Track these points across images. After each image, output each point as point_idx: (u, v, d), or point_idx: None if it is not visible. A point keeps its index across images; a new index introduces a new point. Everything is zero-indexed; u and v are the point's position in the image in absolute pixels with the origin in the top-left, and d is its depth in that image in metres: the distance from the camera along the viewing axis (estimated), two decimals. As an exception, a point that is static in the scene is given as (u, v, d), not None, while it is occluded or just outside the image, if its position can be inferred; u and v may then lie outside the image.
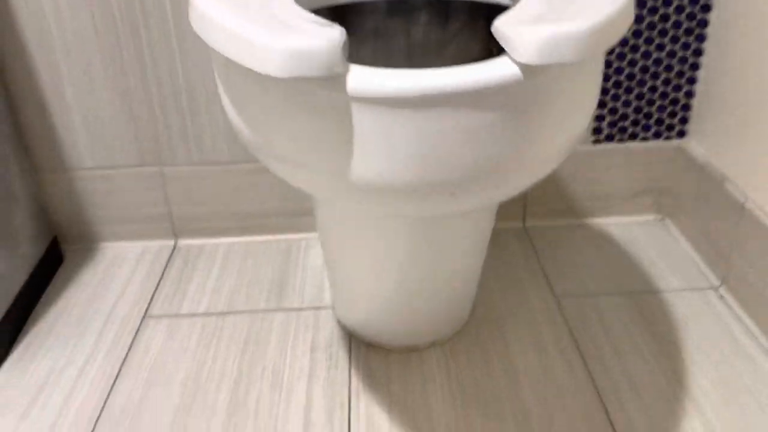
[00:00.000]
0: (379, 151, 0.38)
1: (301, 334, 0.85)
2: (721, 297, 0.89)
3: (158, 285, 0.95)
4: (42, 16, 0.87)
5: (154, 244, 1.05)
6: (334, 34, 0.36)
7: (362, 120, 0.37)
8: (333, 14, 0.70)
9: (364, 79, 0.37)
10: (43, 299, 0.93)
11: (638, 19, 0.91)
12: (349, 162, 0.39)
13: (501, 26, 0.39)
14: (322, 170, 0.41)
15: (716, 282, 0.91)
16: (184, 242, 1.05)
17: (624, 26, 0.42)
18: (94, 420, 0.73)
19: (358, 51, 0.73)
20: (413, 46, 0.73)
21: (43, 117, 0.94)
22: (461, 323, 0.84)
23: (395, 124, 0.37)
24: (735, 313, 0.85)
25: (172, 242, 1.05)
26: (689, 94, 0.97)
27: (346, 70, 0.37)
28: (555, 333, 0.84)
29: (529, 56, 0.36)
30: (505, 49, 0.38)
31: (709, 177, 0.92)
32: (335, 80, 0.37)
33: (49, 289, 0.95)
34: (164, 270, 0.98)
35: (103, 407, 0.75)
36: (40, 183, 0.99)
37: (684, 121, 0.99)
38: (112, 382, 0.78)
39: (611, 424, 0.71)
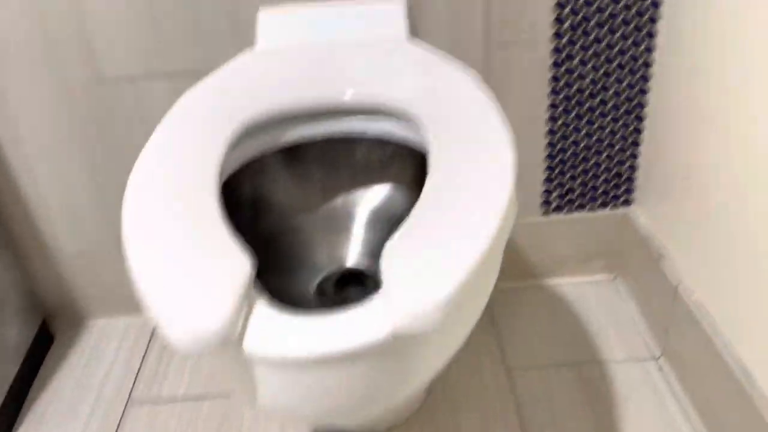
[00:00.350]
0: (279, 392, 0.45)
1: (270, 423, 0.92)
2: (660, 369, 0.95)
3: (140, 366, 1.03)
4: (15, 127, 0.93)
5: (138, 320, 1.12)
6: (234, 302, 0.43)
7: (260, 371, 0.44)
8: (282, 155, 0.75)
9: (257, 343, 0.43)
10: (36, 383, 1.01)
11: (580, 103, 0.96)
12: (255, 396, 0.46)
13: (385, 265, 0.45)
14: (241, 395, 0.48)
15: (657, 352, 0.97)
16: (165, 316, 1.12)
17: (492, 279, 0.48)
18: None
19: (306, 176, 0.79)
20: (358, 167, 0.79)
21: (25, 213, 1.01)
22: (419, 405, 0.92)
23: (289, 377, 0.43)
24: (671, 387, 0.92)
25: (154, 316, 1.12)
26: (632, 168, 1.01)
27: (242, 336, 0.43)
28: (503, 409, 0.91)
29: (397, 327, 0.42)
30: (381, 297, 0.44)
31: (649, 251, 0.98)
32: (233, 343, 0.43)
33: (42, 370, 1.03)
34: (146, 349, 1.06)
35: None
36: (27, 270, 1.06)
37: (629, 191, 1.04)
38: (97, 477, 0.87)
39: None
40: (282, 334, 0.43)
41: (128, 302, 1.11)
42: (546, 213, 1.05)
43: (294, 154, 0.75)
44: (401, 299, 0.42)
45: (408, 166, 0.74)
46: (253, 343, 0.43)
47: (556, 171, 1.01)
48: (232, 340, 0.42)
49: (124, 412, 0.96)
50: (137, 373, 1.02)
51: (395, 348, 0.43)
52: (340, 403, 0.45)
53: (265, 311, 0.45)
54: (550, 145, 0.99)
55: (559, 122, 0.97)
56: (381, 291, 0.45)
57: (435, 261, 0.45)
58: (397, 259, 0.46)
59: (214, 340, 0.41)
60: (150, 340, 1.08)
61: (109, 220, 1.03)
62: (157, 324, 0.44)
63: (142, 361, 1.04)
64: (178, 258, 0.47)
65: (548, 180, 1.03)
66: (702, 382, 0.85)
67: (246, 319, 0.44)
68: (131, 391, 0.99)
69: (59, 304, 1.10)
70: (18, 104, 0.92)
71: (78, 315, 1.12)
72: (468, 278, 0.44)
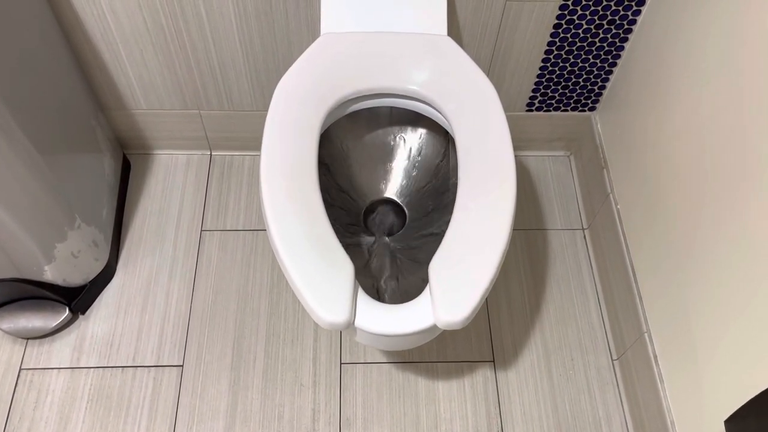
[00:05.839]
0: (368, 340, 0.81)
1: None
2: (584, 238, 1.35)
3: (205, 199, 1.36)
4: (103, 17, 1.10)
5: (196, 154, 1.41)
6: (352, 303, 0.76)
7: (360, 333, 0.80)
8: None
9: (361, 323, 0.78)
10: (126, 204, 1.34)
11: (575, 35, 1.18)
12: (356, 337, 0.82)
13: (433, 281, 0.79)
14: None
15: (585, 224, 1.36)
16: (217, 154, 1.42)
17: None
18: (187, 316, 1.23)
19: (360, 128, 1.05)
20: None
21: (109, 79, 1.22)
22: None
23: (375, 337, 0.79)
24: (588, 255, 1.33)
25: (208, 152, 1.41)
26: (604, 84, 1.28)
27: (354, 320, 0.78)
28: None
29: (438, 323, 0.77)
30: (431, 305, 0.78)
31: (598, 157, 1.30)
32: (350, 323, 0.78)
33: (127, 199, 1.35)
34: (207, 183, 1.37)
35: (190, 308, 1.24)
36: (108, 117, 1.31)
37: (596, 101, 1.32)
38: (191, 287, 1.26)
39: (490, 330, 1.24)
40: (373, 319, 0.78)
41: (188, 143, 1.39)
42: (529, 110, 1.34)
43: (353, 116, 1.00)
44: (442, 306, 0.77)
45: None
46: (359, 323, 0.78)
47: (544, 82, 1.27)
48: (350, 323, 0.77)
49: (200, 238, 1.31)
50: (204, 206, 1.35)
51: (432, 330, 0.80)
52: (397, 346, 0.82)
53: (363, 302, 0.79)
54: (544, 62, 1.23)
55: (556, 46, 1.20)
56: (429, 292, 0.79)
57: (464, 279, 0.79)
58: (439, 274, 0.79)
59: (344, 326, 0.76)
60: (208, 177, 1.39)
61: (177, 91, 1.25)
62: (308, 312, 0.78)
63: (206, 196, 1.36)
64: (312, 260, 0.79)
65: (536, 89, 1.29)
66: (605, 261, 1.26)
67: (355, 307, 0.78)
68: (202, 221, 1.33)
69: (133, 141, 1.37)
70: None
71: (148, 147, 1.40)
72: (484, 293, 0.78)
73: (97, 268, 1.20)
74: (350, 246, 1.02)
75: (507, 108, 1.33)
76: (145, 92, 1.26)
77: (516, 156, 1.44)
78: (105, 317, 1.22)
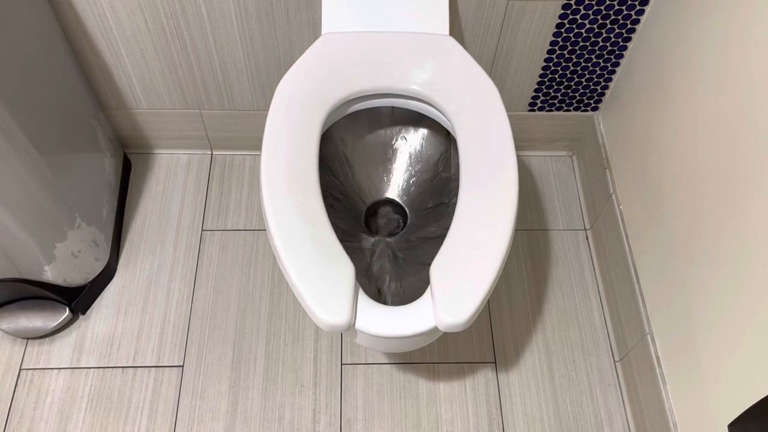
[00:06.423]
0: (369, 342, 0.81)
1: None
2: (587, 238, 1.34)
3: (206, 199, 1.35)
4: (104, 16, 1.10)
5: (197, 154, 1.41)
6: (353, 306, 0.76)
7: (361, 335, 0.79)
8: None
9: (361, 325, 0.77)
10: (127, 203, 1.33)
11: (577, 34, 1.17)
12: (356, 339, 0.82)
13: (434, 283, 0.78)
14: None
15: (588, 225, 1.35)
16: (218, 153, 1.41)
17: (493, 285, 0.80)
18: (188, 317, 1.23)
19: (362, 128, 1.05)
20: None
21: (109, 79, 1.22)
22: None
23: (375, 339, 0.79)
24: (590, 256, 1.32)
25: (209, 152, 1.41)
26: (606, 85, 1.27)
27: (355, 322, 0.77)
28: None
29: (438, 325, 0.77)
30: (432, 306, 0.78)
31: (600, 157, 1.29)
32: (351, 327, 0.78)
33: (129, 193, 1.35)
34: (208, 183, 1.37)
35: (191, 309, 1.23)
36: (108, 117, 1.31)
37: (598, 101, 1.31)
38: (192, 288, 1.25)
39: (492, 331, 1.23)
40: (373, 321, 0.77)
41: (188, 142, 1.38)
42: (531, 110, 1.33)
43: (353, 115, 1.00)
44: (443, 308, 0.76)
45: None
46: (359, 325, 0.77)
47: (546, 82, 1.26)
48: (351, 325, 0.77)
49: (201, 238, 1.31)
50: (205, 206, 1.34)
51: (433, 332, 0.79)
52: (398, 348, 0.82)
53: (364, 304, 0.78)
54: (546, 61, 1.23)
55: (558, 45, 1.20)
56: (431, 294, 0.79)
57: (465, 281, 0.78)
58: (440, 275, 0.79)
59: (344, 328, 0.76)
60: (209, 177, 1.38)
61: (177, 90, 1.25)
62: (308, 314, 0.77)
63: (207, 195, 1.36)
64: (312, 261, 0.79)
65: (538, 89, 1.28)
66: (608, 262, 1.25)
67: (355, 309, 0.78)
68: (203, 222, 1.33)
69: (133, 140, 1.37)
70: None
71: (148, 147, 1.39)
72: (486, 295, 0.78)
73: (97, 268, 1.20)
74: (351, 247, 1.01)
75: (509, 108, 1.33)
76: (145, 92, 1.26)
77: (518, 156, 1.43)
78: (105, 317, 1.22)
